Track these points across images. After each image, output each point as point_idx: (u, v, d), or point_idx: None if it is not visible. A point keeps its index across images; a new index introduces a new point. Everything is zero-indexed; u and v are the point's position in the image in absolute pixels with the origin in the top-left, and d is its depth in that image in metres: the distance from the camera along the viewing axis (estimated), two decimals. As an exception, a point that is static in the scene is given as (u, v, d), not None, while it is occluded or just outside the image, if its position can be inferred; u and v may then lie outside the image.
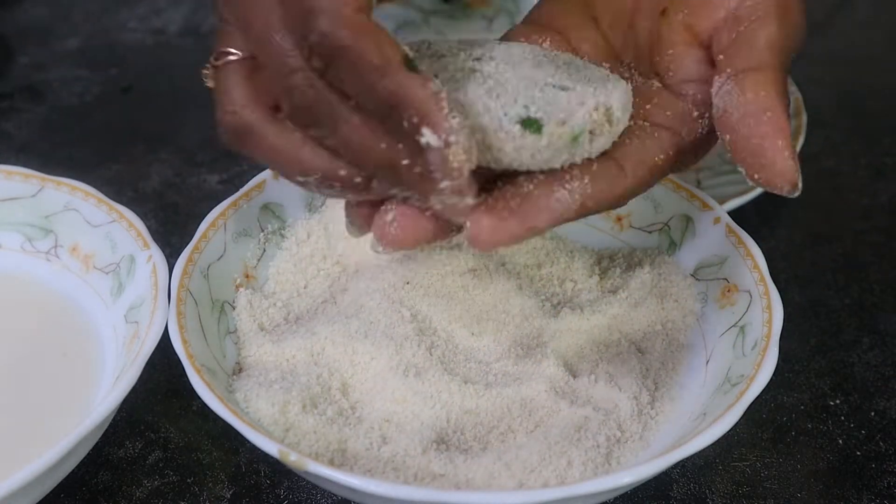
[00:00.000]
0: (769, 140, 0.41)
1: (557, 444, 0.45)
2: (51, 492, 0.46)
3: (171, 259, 0.51)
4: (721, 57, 0.44)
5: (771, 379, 0.44)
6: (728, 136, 0.42)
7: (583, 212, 0.41)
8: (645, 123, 0.44)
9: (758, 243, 0.51)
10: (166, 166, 0.72)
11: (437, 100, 0.37)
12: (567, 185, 0.41)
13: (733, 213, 0.56)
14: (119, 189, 0.68)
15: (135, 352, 0.46)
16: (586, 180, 0.41)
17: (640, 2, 0.46)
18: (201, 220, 0.52)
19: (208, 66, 0.43)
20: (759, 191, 0.64)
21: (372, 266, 0.53)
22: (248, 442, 0.42)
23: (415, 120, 0.36)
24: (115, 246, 0.53)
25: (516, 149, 0.40)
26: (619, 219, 0.57)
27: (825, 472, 0.51)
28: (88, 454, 0.47)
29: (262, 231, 0.55)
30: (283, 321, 0.52)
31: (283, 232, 0.55)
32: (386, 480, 0.43)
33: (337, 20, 0.37)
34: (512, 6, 0.86)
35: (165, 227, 0.66)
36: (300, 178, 0.42)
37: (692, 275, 0.53)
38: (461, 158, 0.37)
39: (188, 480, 0.50)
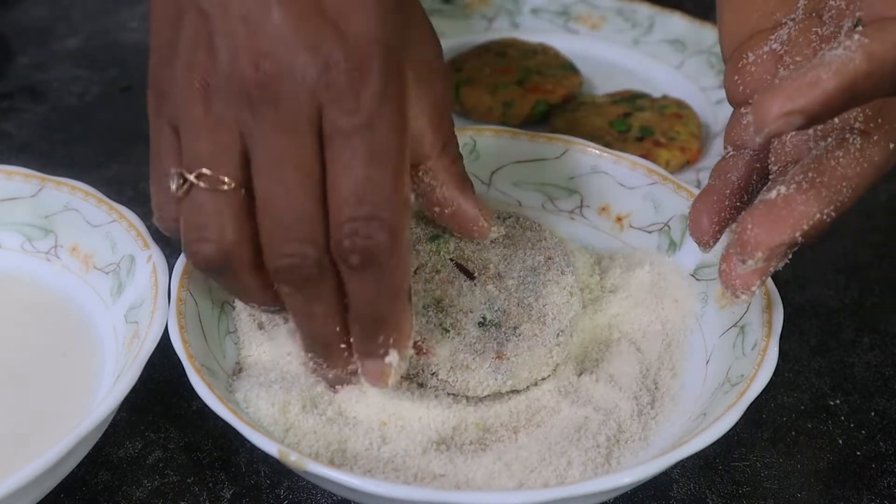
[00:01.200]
0: None
1: (557, 444, 0.45)
2: (51, 492, 0.46)
3: (171, 259, 0.51)
4: None
5: (771, 379, 0.44)
6: None
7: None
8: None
9: (758, 243, 0.51)
10: (166, 166, 0.72)
11: (411, 335, 0.43)
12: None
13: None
14: (119, 189, 0.68)
15: (135, 352, 0.46)
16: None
17: None
18: (201, 220, 0.52)
19: (176, 176, 0.42)
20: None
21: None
22: (248, 442, 0.42)
23: (391, 341, 0.42)
24: (115, 246, 0.53)
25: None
26: (619, 219, 0.57)
27: (825, 472, 0.51)
28: (88, 454, 0.47)
29: (262, 231, 0.54)
30: (283, 321, 0.52)
31: (283, 232, 0.55)
32: (386, 480, 0.43)
33: (391, 237, 0.40)
34: (512, 6, 0.86)
35: (165, 227, 0.66)
36: (261, 309, 0.47)
37: (692, 275, 0.53)
38: (393, 381, 0.44)
39: (188, 480, 0.50)
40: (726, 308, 0.50)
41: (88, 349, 0.52)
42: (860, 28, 0.39)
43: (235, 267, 0.43)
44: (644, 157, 0.62)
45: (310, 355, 0.46)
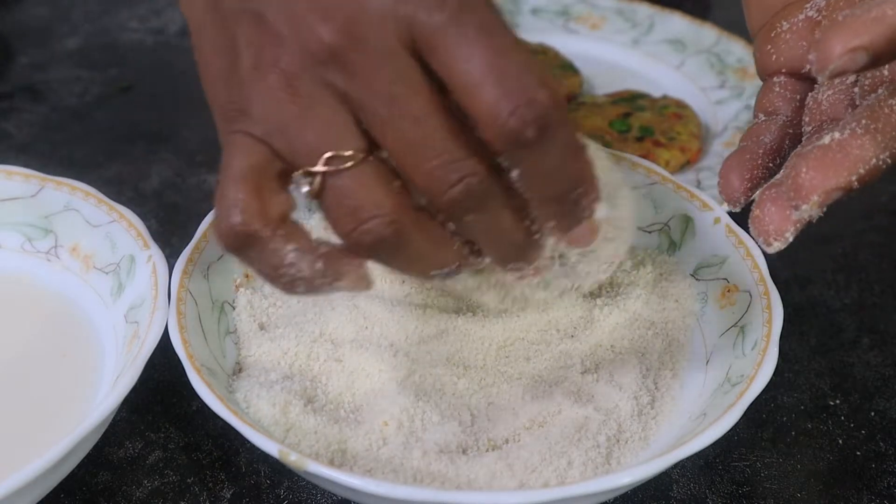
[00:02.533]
0: None
1: (558, 444, 0.45)
2: (51, 492, 0.46)
3: (171, 259, 0.51)
4: None
5: (771, 379, 0.44)
6: None
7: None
8: None
9: (758, 243, 0.51)
10: (166, 166, 0.72)
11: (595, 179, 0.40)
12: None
13: (733, 214, 0.56)
14: (119, 189, 0.68)
15: (135, 352, 0.46)
16: None
17: None
18: (201, 220, 0.52)
19: (302, 177, 0.38)
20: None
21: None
22: (248, 442, 0.42)
23: (589, 196, 0.39)
24: (115, 246, 0.53)
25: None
26: (619, 219, 0.57)
27: (825, 472, 0.51)
28: (88, 454, 0.47)
29: (262, 231, 0.54)
30: (283, 321, 0.52)
31: (283, 232, 0.55)
32: (386, 480, 0.43)
33: (555, 98, 0.36)
34: (512, 6, 0.86)
35: (165, 227, 0.66)
36: (434, 273, 0.41)
37: (692, 275, 0.53)
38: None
39: (188, 480, 0.50)
40: (726, 308, 0.51)
41: (88, 349, 0.52)
42: None
43: (407, 233, 0.39)
44: (644, 157, 0.62)
45: (509, 266, 0.42)
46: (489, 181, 0.38)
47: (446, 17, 0.35)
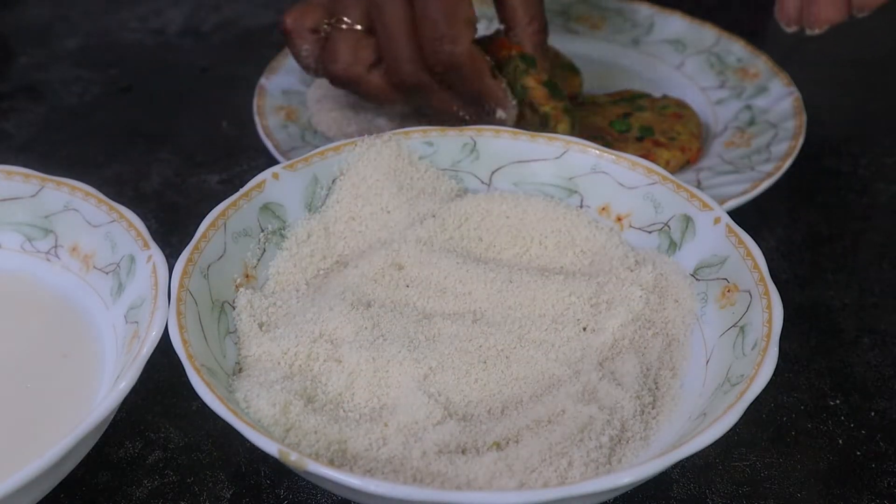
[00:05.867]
0: None
1: (559, 443, 0.45)
2: (51, 492, 0.46)
3: (171, 259, 0.51)
4: None
5: (771, 379, 0.44)
6: None
7: None
8: None
9: (758, 243, 0.51)
10: (166, 166, 0.72)
11: (505, 94, 0.64)
12: None
13: (733, 213, 0.56)
14: (119, 189, 0.69)
15: (135, 352, 0.46)
16: None
17: None
18: (201, 220, 0.52)
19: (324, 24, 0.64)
20: (759, 191, 0.64)
21: (375, 266, 0.53)
22: (248, 442, 0.42)
23: (493, 105, 0.64)
24: (115, 246, 0.53)
25: None
26: (619, 219, 0.57)
27: (825, 472, 0.51)
28: (88, 454, 0.47)
29: (262, 231, 0.55)
30: (283, 321, 0.52)
31: (283, 232, 0.55)
32: (386, 480, 0.43)
33: (459, 49, 0.61)
34: (512, 6, 0.86)
35: (165, 227, 0.66)
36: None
37: (692, 275, 0.53)
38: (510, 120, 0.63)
39: (188, 480, 0.50)
40: (726, 308, 0.51)
41: (88, 349, 0.52)
42: None
43: (361, 78, 0.64)
44: (644, 157, 0.62)
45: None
46: (417, 80, 0.63)
47: None
